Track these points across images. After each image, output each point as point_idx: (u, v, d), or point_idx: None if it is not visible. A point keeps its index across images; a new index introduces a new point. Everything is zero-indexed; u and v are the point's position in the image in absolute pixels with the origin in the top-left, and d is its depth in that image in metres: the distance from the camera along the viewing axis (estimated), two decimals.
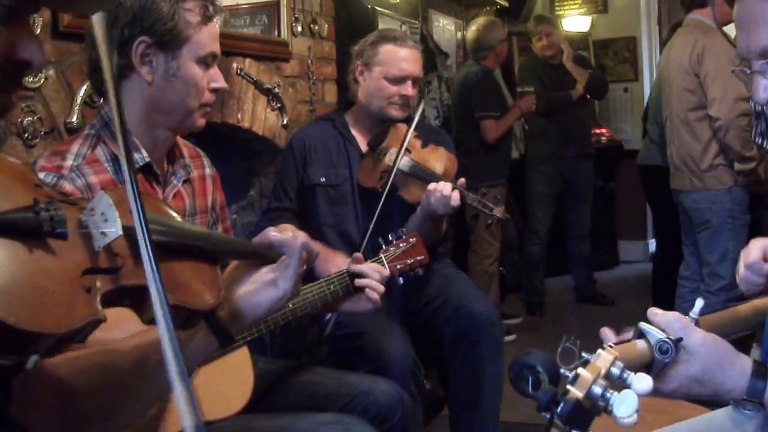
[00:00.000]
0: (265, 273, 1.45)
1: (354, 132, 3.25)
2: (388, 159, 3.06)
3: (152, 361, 1.30)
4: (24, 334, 0.92)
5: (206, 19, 1.95)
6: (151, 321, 1.18)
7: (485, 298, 3.18)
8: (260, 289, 1.44)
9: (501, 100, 5.55)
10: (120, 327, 1.32)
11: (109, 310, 1.07)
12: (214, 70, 2.02)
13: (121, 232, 1.08)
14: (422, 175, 2.96)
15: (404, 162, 3.00)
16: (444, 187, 2.81)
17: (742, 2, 1.35)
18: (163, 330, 0.94)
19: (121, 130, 1.05)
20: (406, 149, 3.04)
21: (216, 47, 2.00)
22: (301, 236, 1.47)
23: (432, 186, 2.83)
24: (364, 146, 3.19)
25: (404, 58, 3.13)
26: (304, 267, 1.49)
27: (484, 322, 2.96)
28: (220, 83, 2.03)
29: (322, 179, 3.17)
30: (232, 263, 1.51)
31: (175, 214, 1.38)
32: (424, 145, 3.14)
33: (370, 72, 3.16)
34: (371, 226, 2.94)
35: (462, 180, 2.89)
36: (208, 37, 1.96)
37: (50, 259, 1.01)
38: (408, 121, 3.21)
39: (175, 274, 1.23)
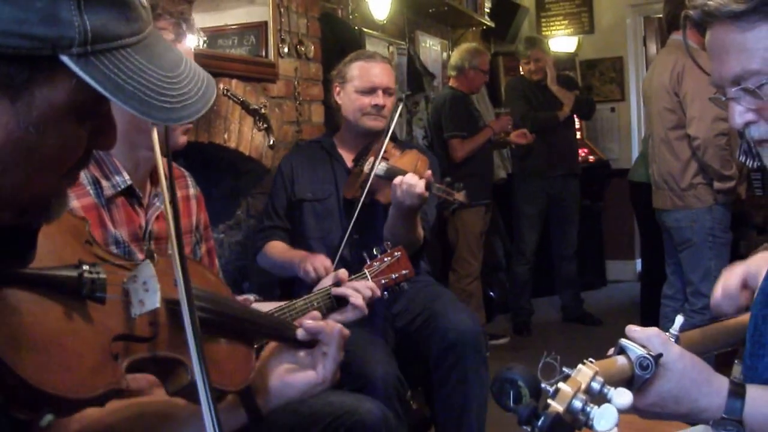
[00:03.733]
0: (305, 356, 1.49)
1: (341, 150, 3.35)
2: (367, 168, 3.13)
3: (192, 421, 1.31)
4: (42, 395, 0.93)
5: (180, 36, 1.95)
6: (174, 393, 1.21)
7: (469, 312, 3.23)
8: (298, 371, 1.47)
9: (472, 121, 5.59)
10: None
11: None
12: None
13: (158, 305, 1.09)
14: (394, 176, 2.97)
15: (380, 167, 3.06)
16: (409, 178, 2.84)
17: (712, 31, 1.36)
18: (205, 407, 0.96)
19: (176, 233, 1.06)
20: (384, 158, 3.09)
21: None
22: (338, 325, 1.51)
23: (398, 179, 2.85)
24: (350, 163, 3.28)
25: (373, 71, 3.26)
26: (342, 354, 1.53)
27: (469, 336, 3.01)
28: None
29: (309, 195, 3.26)
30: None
31: (218, 282, 1.41)
32: (402, 153, 3.20)
33: (344, 90, 3.30)
34: (348, 232, 2.99)
35: (428, 172, 2.92)
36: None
37: (84, 322, 1.02)
38: (392, 137, 3.27)
39: (210, 352, 1.23)
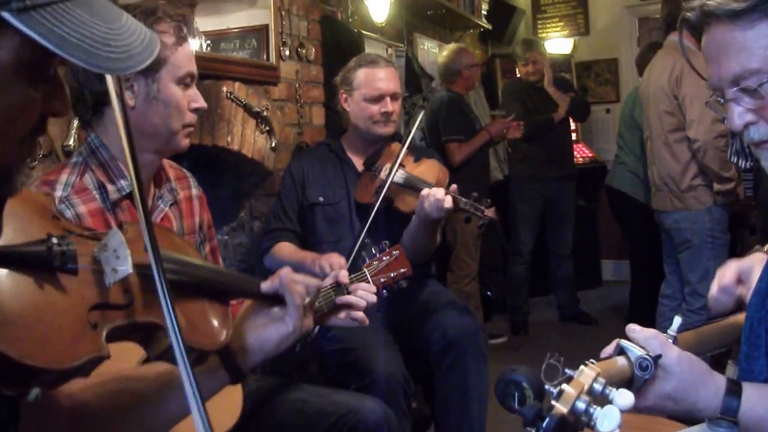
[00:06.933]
0: (278, 311, 1.50)
1: (349, 154, 3.36)
2: (383, 174, 3.16)
3: (173, 385, 1.32)
4: (26, 368, 0.93)
5: (181, 39, 1.98)
6: (158, 357, 1.21)
7: (468, 309, 3.27)
8: (270, 324, 1.49)
9: (468, 124, 5.60)
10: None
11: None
12: (193, 91, 2.05)
13: (131, 270, 1.09)
14: (415, 185, 3.04)
15: (398, 175, 3.10)
16: (437, 192, 2.88)
17: (709, 34, 1.37)
18: (181, 366, 0.97)
19: (138, 187, 1.07)
20: (400, 164, 3.13)
21: (193, 67, 2.03)
22: (284, 271, 1.51)
23: (425, 191, 2.90)
24: (360, 167, 3.30)
25: (379, 77, 3.27)
26: (307, 300, 1.54)
27: (469, 333, 3.05)
28: (200, 103, 2.06)
29: (321, 199, 3.28)
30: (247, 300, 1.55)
31: (185, 245, 1.40)
32: (417, 160, 3.24)
33: (352, 97, 3.31)
34: (362, 236, 3.01)
35: (454, 186, 2.97)
36: (184, 58, 1.99)
37: (59, 294, 1.02)
38: (397, 138, 3.34)
39: (186, 314, 1.24)
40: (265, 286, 1.50)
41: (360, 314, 2.13)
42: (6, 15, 0.76)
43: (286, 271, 1.52)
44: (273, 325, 1.49)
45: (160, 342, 1.20)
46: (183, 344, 0.98)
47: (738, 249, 4.78)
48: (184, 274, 1.29)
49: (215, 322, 1.34)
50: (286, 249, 3.22)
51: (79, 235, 1.12)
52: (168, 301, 1.00)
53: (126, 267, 1.09)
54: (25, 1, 0.76)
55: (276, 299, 1.51)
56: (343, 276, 2.22)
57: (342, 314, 2.15)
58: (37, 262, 0.99)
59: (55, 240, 1.01)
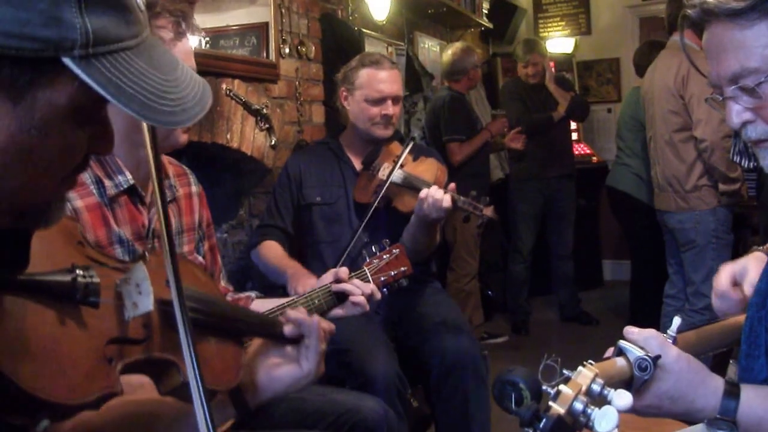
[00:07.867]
0: (291, 351, 1.50)
1: (348, 153, 3.32)
2: (382, 174, 3.14)
3: (182, 415, 1.32)
4: (37, 401, 0.92)
5: (179, 35, 1.96)
6: (167, 393, 1.20)
7: (468, 333, 3.17)
8: (283, 365, 1.48)
9: (470, 123, 5.59)
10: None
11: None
12: None
13: (151, 308, 1.08)
14: (414, 185, 3.02)
15: (397, 174, 3.07)
16: (435, 192, 2.85)
17: (710, 31, 1.36)
18: (198, 406, 0.96)
19: (167, 233, 1.04)
20: (400, 164, 3.10)
21: (191, 62, 2.00)
22: (317, 317, 1.51)
23: (424, 192, 2.87)
24: (358, 166, 3.27)
25: (382, 79, 3.21)
26: (323, 346, 1.53)
27: (467, 359, 2.98)
28: None
29: (318, 198, 3.24)
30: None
31: (208, 281, 1.40)
32: (416, 159, 3.22)
33: (353, 96, 3.26)
34: (356, 235, 2.98)
35: (452, 185, 2.94)
36: (182, 53, 1.96)
37: (78, 327, 1.01)
38: (396, 137, 3.32)
39: (201, 352, 1.21)
40: (288, 330, 1.49)
41: (361, 299, 2.12)
42: (68, 61, 0.76)
43: (317, 319, 1.52)
44: (286, 365, 1.49)
45: (172, 378, 1.19)
46: (203, 388, 0.97)
47: (740, 249, 4.76)
48: (203, 312, 1.28)
49: (228, 363, 1.34)
50: (272, 251, 3.15)
51: (103, 265, 1.11)
52: (189, 343, 0.98)
53: (147, 303, 1.08)
54: (88, 48, 0.77)
55: (292, 339, 1.51)
56: (343, 272, 2.21)
57: (342, 305, 2.14)
58: (60, 294, 0.98)
59: (79, 271, 1.00)
